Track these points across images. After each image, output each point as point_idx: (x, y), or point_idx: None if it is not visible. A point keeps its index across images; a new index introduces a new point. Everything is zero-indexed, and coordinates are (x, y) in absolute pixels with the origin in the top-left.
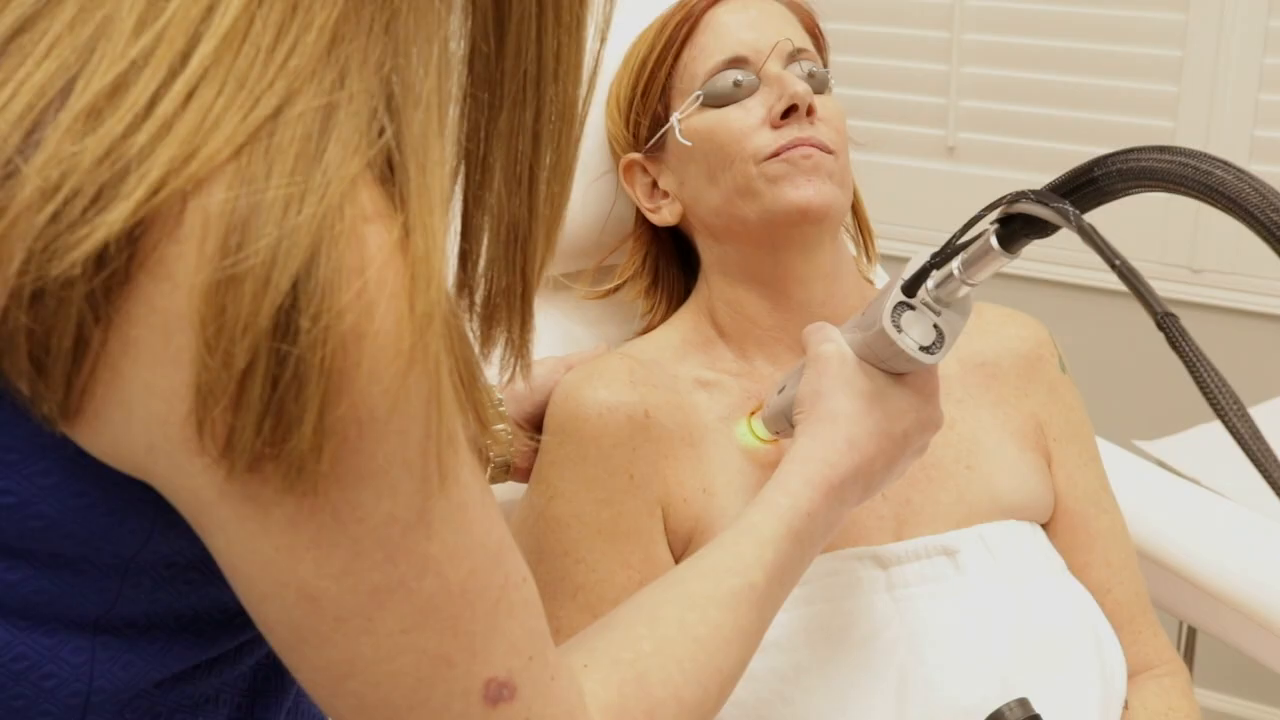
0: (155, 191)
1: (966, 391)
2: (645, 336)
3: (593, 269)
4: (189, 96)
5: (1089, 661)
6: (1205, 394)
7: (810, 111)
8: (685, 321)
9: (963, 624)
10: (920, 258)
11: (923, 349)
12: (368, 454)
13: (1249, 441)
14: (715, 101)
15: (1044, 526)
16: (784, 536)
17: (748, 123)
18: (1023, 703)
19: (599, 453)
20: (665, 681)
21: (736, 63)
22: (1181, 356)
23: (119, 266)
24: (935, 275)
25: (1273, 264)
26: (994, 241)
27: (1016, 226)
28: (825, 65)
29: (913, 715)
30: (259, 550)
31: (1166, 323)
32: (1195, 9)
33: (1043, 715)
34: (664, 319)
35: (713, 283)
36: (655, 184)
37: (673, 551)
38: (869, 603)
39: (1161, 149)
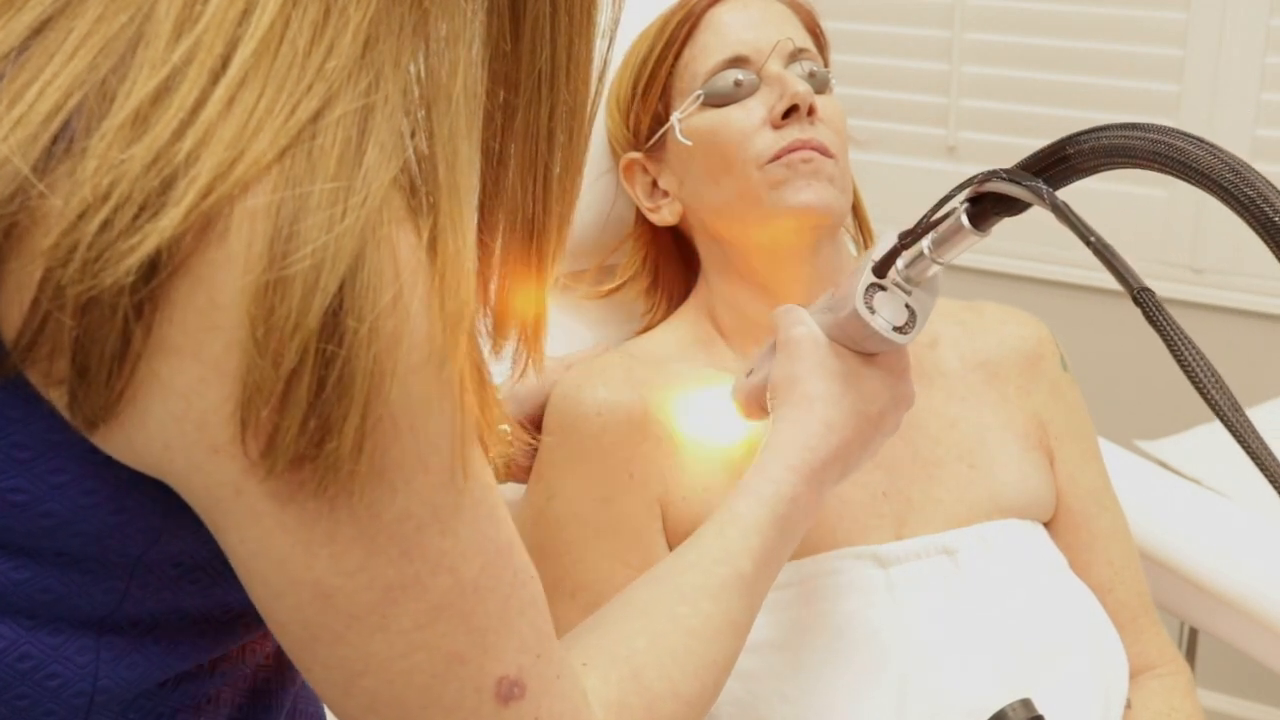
0: (204, 196)
1: (969, 389)
2: (645, 336)
3: (594, 269)
4: (231, 101)
5: (1090, 661)
6: (1182, 366)
7: (811, 112)
8: (685, 321)
9: (963, 624)
10: (890, 238)
11: (896, 329)
12: (396, 452)
13: (1227, 413)
14: (716, 101)
15: (1045, 526)
16: (769, 523)
17: (749, 123)
18: (1026, 703)
19: (598, 452)
20: (662, 676)
21: (737, 62)
22: (1158, 330)
23: (168, 271)
24: (905, 255)
25: (1274, 264)
26: (964, 220)
27: (987, 205)
28: (826, 65)
29: (913, 715)
30: (274, 548)
31: (1143, 298)
32: (1196, 8)
33: (1045, 716)
34: (664, 319)
35: (712, 282)
36: (655, 183)
37: (671, 550)
38: (869, 602)
39: (1133, 126)
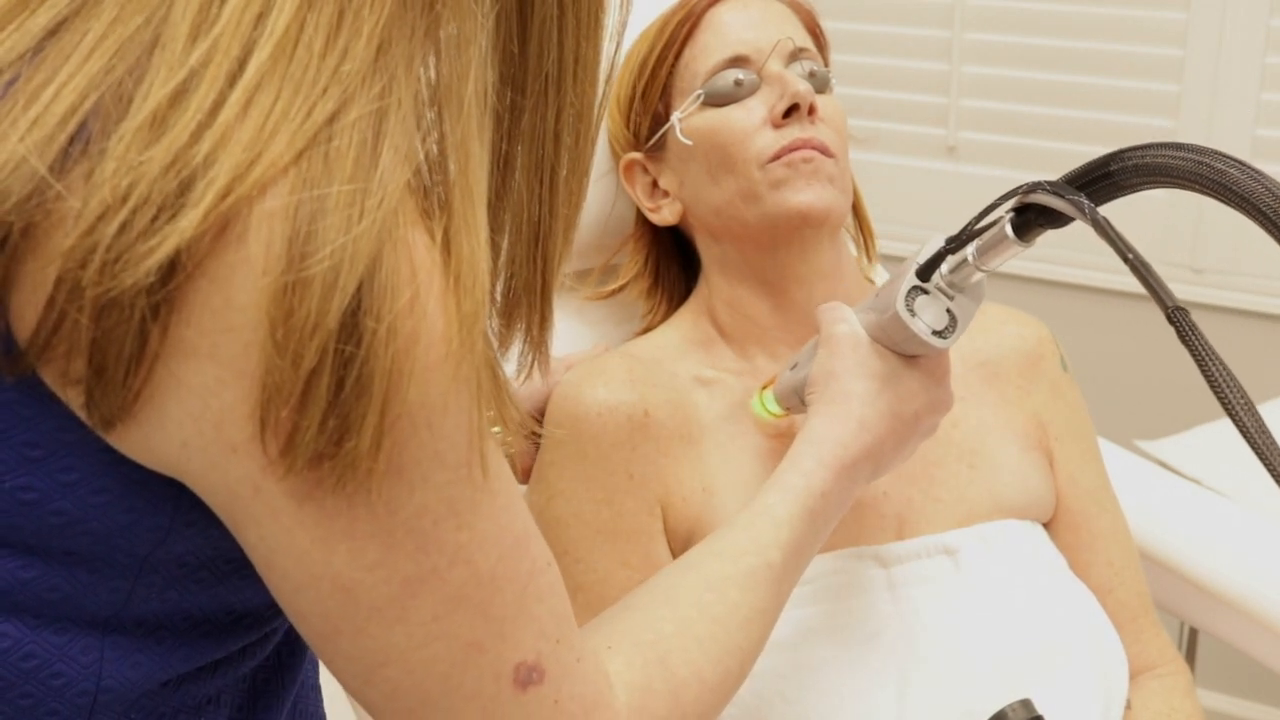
0: (222, 198)
1: (968, 390)
2: (645, 336)
3: (598, 270)
4: (248, 103)
5: (1090, 661)
6: (1213, 388)
7: (812, 111)
8: (685, 321)
9: (963, 624)
10: (935, 242)
11: (935, 333)
12: (414, 449)
13: (1255, 436)
14: (716, 100)
15: (1045, 526)
16: (799, 516)
17: (750, 123)
18: (1025, 704)
19: (598, 452)
20: (687, 661)
21: (737, 62)
22: (1191, 350)
23: (186, 273)
24: (949, 260)
25: (1275, 264)
26: (1009, 230)
27: (1031, 216)
28: (826, 64)
29: (913, 715)
30: (294, 544)
31: (1177, 317)
32: (1196, 8)
33: (1045, 716)
34: (664, 319)
35: (713, 282)
36: (656, 183)
37: (672, 551)
38: (870, 602)
39: (1178, 146)
